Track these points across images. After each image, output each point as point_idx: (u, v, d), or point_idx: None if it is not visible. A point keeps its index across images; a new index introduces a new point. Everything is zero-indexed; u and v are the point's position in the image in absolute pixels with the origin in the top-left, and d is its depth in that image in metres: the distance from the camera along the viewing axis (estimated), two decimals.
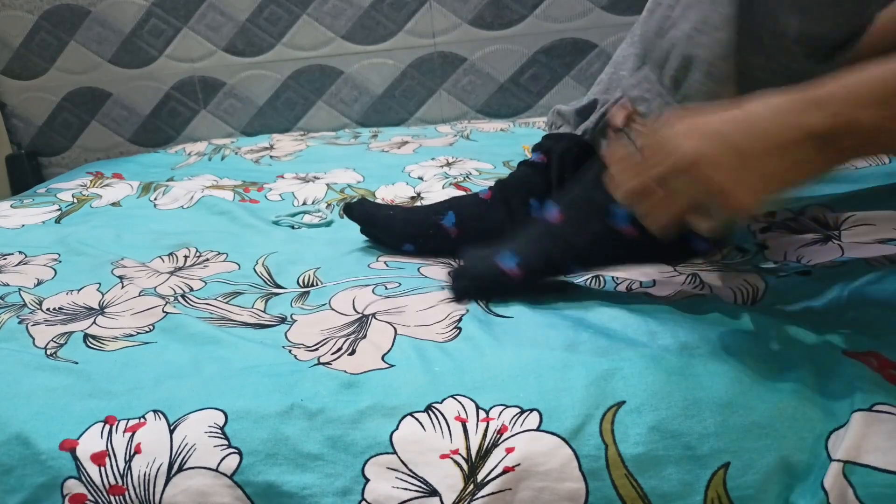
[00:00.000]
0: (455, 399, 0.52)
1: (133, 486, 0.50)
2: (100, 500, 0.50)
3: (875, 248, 0.71)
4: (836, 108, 0.44)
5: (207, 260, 0.86)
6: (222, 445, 0.50)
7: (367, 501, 0.48)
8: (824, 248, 0.74)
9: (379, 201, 1.08)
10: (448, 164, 1.26)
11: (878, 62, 0.45)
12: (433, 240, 0.80)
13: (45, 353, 0.62)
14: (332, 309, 0.68)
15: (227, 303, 0.72)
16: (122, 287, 0.76)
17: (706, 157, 0.47)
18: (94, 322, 0.68)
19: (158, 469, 0.50)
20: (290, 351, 0.60)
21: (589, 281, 0.72)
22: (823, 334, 0.54)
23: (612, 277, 0.72)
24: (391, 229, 0.83)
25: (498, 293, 0.66)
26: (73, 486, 0.50)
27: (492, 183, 0.82)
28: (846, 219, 0.80)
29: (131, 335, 0.65)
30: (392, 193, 1.10)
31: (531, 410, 0.50)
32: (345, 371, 0.55)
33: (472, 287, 0.67)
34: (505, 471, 0.47)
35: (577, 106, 0.76)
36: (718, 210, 0.48)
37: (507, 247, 0.67)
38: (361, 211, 0.85)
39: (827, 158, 0.46)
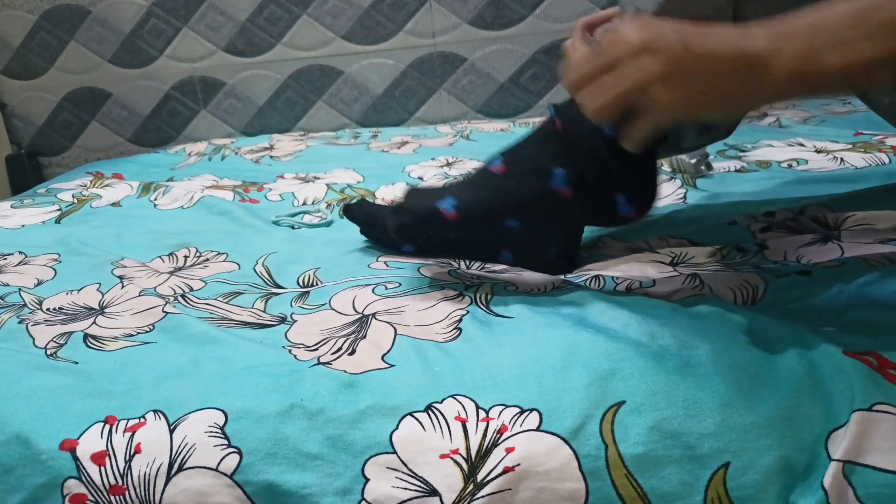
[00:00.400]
0: (455, 399, 0.52)
1: (133, 485, 0.50)
2: (100, 500, 0.50)
3: (875, 248, 0.72)
4: (780, 42, 0.46)
5: (207, 260, 0.86)
6: (222, 445, 0.50)
7: (366, 501, 0.48)
8: (824, 248, 0.74)
9: (379, 201, 1.08)
10: (448, 164, 1.26)
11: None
12: (432, 235, 0.78)
13: (45, 353, 0.62)
14: (332, 309, 0.68)
15: (227, 303, 0.72)
16: (122, 287, 0.76)
17: (651, 46, 0.49)
18: (94, 322, 0.68)
19: (158, 469, 0.50)
20: (289, 351, 0.60)
21: (589, 281, 0.72)
22: (823, 334, 0.54)
23: (612, 277, 0.72)
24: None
25: (434, 232, 0.67)
26: (74, 486, 0.50)
27: None
28: (846, 219, 0.80)
29: (131, 335, 0.65)
30: (392, 193, 1.10)
31: (531, 410, 0.50)
32: (345, 371, 0.55)
33: (409, 222, 0.68)
34: (505, 471, 0.47)
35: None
36: (646, 109, 0.51)
37: (448, 191, 0.68)
38: (361, 212, 0.85)
39: (757, 87, 0.47)
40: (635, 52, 0.49)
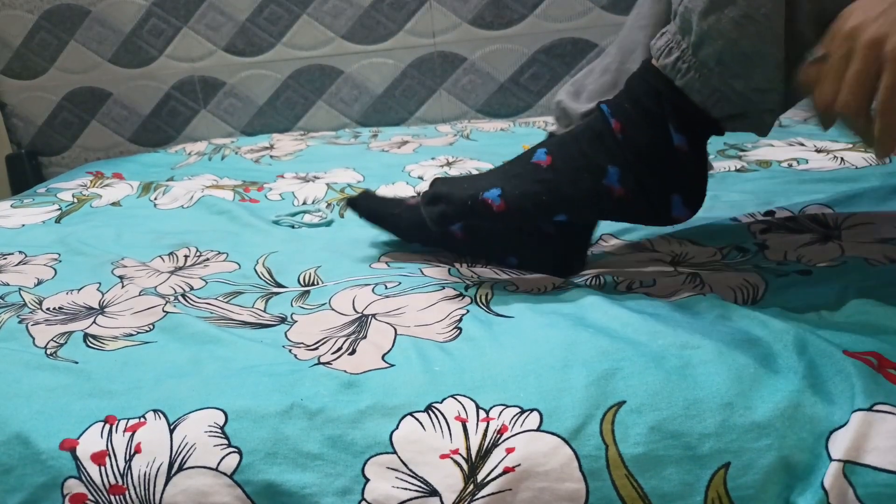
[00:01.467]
0: (455, 399, 0.52)
1: (133, 485, 0.50)
2: (100, 500, 0.50)
3: (875, 248, 0.72)
4: None
5: (207, 259, 0.86)
6: (222, 445, 0.50)
7: (366, 501, 0.48)
8: (824, 247, 0.74)
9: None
10: (448, 164, 1.26)
11: None
12: (474, 226, 0.75)
13: (45, 352, 0.62)
14: (333, 308, 0.68)
15: (227, 302, 0.72)
16: (123, 287, 0.76)
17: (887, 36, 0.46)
18: (94, 322, 0.68)
19: (158, 468, 0.50)
20: (290, 350, 0.60)
21: (589, 280, 0.72)
22: (823, 334, 0.54)
23: (613, 277, 0.72)
24: (398, 229, 0.83)
25: (477, 223, 0.66)
26: (74, 486, 0.50)
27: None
28: (846, 219, 0.80)
29: (131, 335, 0.65)
30: (392, 193, 1.10)
31: (531, 410, 0.50)
32: (345, 371, 0.55)
33: (451, 212, 0.66)
34: (505, 471, 0.47)
35: (583, 110, 0.75)
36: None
37: (490, 181, 0.66)
38: (366, 206, 0.84)
39: None
40: (873, 45, 0.47)
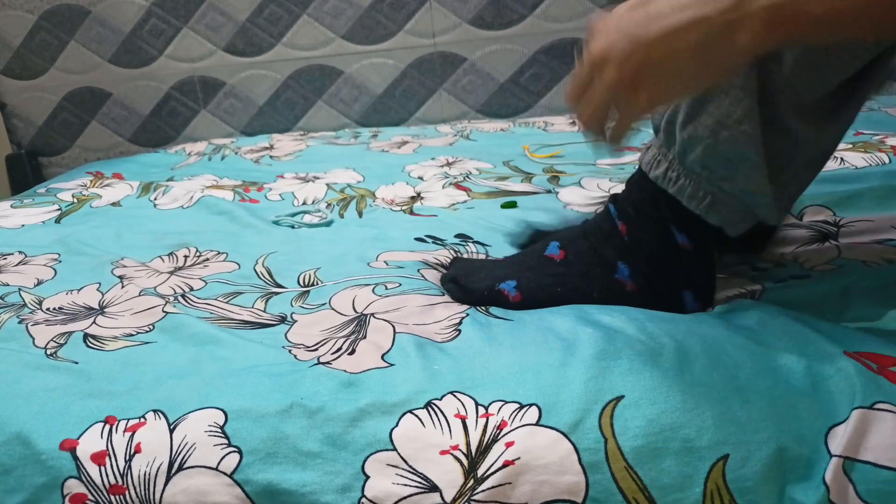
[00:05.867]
0: (454, 396, 0.52)
1: (133, 485, 0.50)
2: (100, 500, 0.50)
3: (872, 249, 0.71)
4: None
5: (207, 260, 0.86)
6: (222, 444, 0.50)
7: (367, 498, 0.48)
8: (822, 247, 0.74)
9: (384, 205, 1.08)
10: (448, 164, 1.26)
11: None
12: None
13: (45, 352, 0.62)
14: (332, 309, 0.68)
15: (227, 302, 0.72)
16: (122, 287, 0.76)
17: (609, 52, 0.49)
18: (94, 322, 0.68)
19: (158, 468, 0.50)
20: (289, 351, 0.60)
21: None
22: (823, 334, 0.54)
23: None
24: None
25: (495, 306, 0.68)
26: (74, 486, 0.50)
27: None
28: (844, 219, 0.79)
29: (131, 335, 0.65)
30: (392, 193, 1.11)
31: (530, 405, 0.50)
32: (344, 370, 0.55)
33: (464, 299, 0.68)
34: (505, 465, 0.48)
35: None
36: (625, 107, 0.51)
37: (509, 275, 0.68)
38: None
39: (731, 47, 0.45)
40: (596, 64, 0.51)
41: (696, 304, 0.64)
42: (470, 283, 0.69)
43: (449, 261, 0.79)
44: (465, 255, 0.81)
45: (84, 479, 0.50)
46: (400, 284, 0.72)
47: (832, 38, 0.46)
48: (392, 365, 0.56)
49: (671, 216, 0.63)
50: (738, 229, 0.62)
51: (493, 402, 0.51)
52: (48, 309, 0.72)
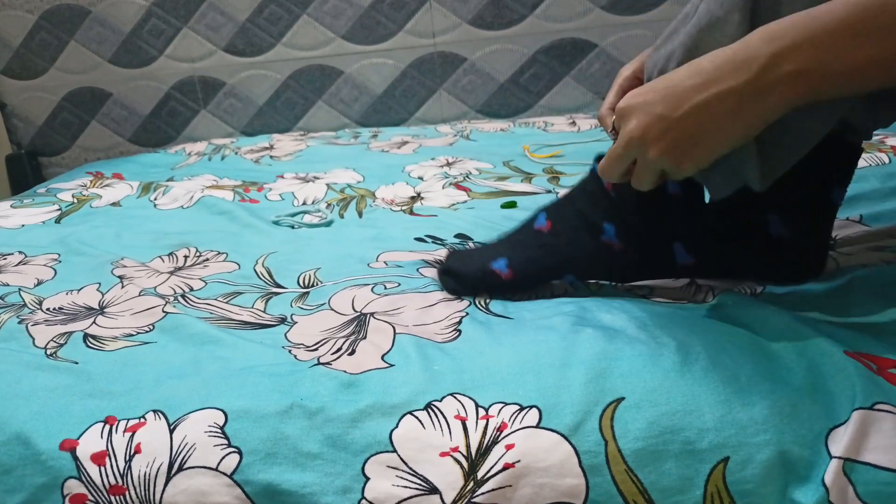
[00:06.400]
0: (454, 397, 0.52)
1: (133, 485, 0.50)
2: (100, 500, 0.50)
3: (872, 256, 0.71)
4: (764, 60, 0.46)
5: (207, 260, 0.86)
6: (222, 445, 0.50)
7: (367, 500, 0.48)
8: None
9: (384, 206, 1.08)
10: (448, 164, 1.26)
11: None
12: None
13: (45, 353, 0.62)
14: (332, 309, 0.68)
15: (227, 303, 0.72)
16: (122, 287, 0.76)
17: (645, 134, 0.52)
18: (94, 322, 0.68)
19: (158, 469, 0.50)
20: (289, 351, 0.60)
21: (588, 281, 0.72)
22: (823, 334, 0.54)
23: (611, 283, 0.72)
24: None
25: (487, 292, 0.68)
26: (74, 486, 0.50)
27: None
28: (840, 233, 0.78)
29: (131, 335, 0.65)
30: (392, 193, 1.10)
31: (530, 407, 0.50)
32: (344, 371, 0.55)
33: (461, 288, 0.69)
34: (505, 467, 0.47)
35: None
36: (674, 174, 0.54)
37: (497, 252, 0.69)
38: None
39: (761, 109, 0.47)
40: (635, 146, 0.53)
41: (688, 257, 0.64)
42: (462, 268, 0.69)
43: (442, 254, 0.79)
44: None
45: (84, 479, 0.50)
46: (399, 284, 0.72)
47: (862, 88, 0.47)
48: (392, 366, 0.56)
49: None
50: (721, 191, 0.60)
51: (493, 403, 0.51)
52: (48, 309, 0.72)
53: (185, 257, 0.87)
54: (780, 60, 0.45)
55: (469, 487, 0.47)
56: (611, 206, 0.65)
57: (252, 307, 0.71)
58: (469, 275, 0.68)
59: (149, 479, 0.50)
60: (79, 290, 0.76)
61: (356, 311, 0.66)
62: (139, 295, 0.74)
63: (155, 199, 1.13)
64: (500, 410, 0.50)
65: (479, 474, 0.48)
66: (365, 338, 0.61)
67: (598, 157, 0.66)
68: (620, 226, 0.64)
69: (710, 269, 0.68)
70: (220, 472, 0.49)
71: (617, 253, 0.65)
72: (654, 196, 0.63)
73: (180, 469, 0.50)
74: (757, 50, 0.46)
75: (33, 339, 0.65)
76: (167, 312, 0.68)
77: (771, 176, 0.55)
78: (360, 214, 1.02)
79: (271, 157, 1.45)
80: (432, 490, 0.48)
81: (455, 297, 0.68)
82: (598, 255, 0.65)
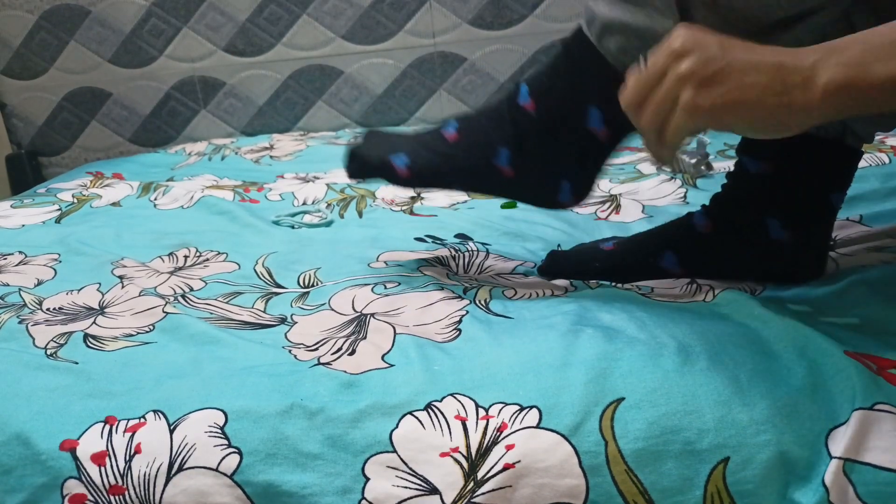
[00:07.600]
0: (454, 397, 0.52)
1: (133, 485, 0.50)
2: (100, 500, 0.50)
3: (870, 257, 0.71)
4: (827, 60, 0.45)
5: (207, 260, 0.86)
6: (222, 445, 0.50)
7: (367, 500, 0.48)
8: None
9: (384, 205, 1.08)
10: None
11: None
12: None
13: (45, 353, 0.62)
14: (332, 309, 0.68)
15: (227, 303, 0.72)
16: (123, 287, 0.76)
17: (694, 47, 0.48)
18: (94, 322, 0.68)
19: (158, 469, 0.50)
20: (289, 351, 0.60)
21: (588, 280, 0.72)
22: (823, 334, 0.54)
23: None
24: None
25: (383, 182, 0.70)
26: (74, 487, 0.50)
27: None
28: (840, 234, 0.78)
29: (131, 335, 0.65)
30: (392, 193, 1.10)
31: (531, 408, 0.50)
32: (344, 371, 0.55)
33: (361, 172, 0.71)
34: (505, 468, 0.47)
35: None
36: (688, 105, 0.48)
37: (403, 148, 0.70)
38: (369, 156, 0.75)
39: (795, 99, 0.45)
40: (675, 56, 0.48)
41: (571, 198, 0.66)
42: (366, 153, 0.71)
43: (442, 254, 0.80)
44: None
45: (84, 479, 0.50)
46: (399, 283, 0.72)
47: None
48: (392, 366, 0.56)
49: (593, 91, 0.62)
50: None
51: (493, 403, 0.51)
52: (48, 309, 0.72)
53: (186, 257, 0.87)
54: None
55: (469, 488, 0.47)
56: (512, 130, 0.65)
57: (252, 307, 0.71)
58: (368, 163, 0.70)
59: (149, 480, 0.50)
60: (79, 290, 0.76)
61: (356, 311, 0.66)
62: (139, 295, 0.74)
63: (155, 199, 1.13)
64: (501, 411, 0.50)
65: (479, 475, 0.48)
66: (365, 338, 0.61)
67: (525, 78, 0.67)
68: (515, 152, 0.65)
69: (701, 277, 0.68)
70: (221, 472, 0.50)
71: (504, 177, 0.66)
72: (570, 125, 0.63)
73: (180, 469, 0.50)
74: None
75: (33, 339, 0.65)
76: (167, 312, 0.68)
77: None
78: (361, 214, 1.02)
79: (271, 157, 1.45)
80: (432, 490, 0.48)
81: (359, 179, 0.72)
82: (486, 176, 0.67)
